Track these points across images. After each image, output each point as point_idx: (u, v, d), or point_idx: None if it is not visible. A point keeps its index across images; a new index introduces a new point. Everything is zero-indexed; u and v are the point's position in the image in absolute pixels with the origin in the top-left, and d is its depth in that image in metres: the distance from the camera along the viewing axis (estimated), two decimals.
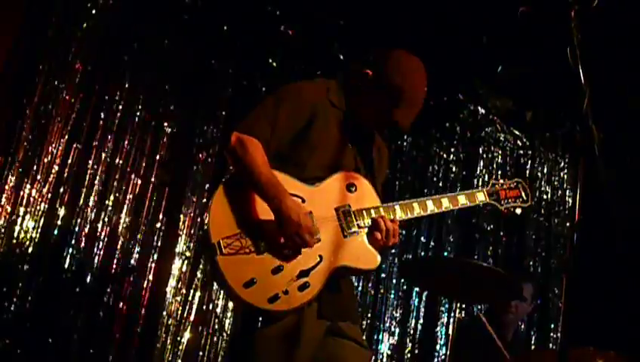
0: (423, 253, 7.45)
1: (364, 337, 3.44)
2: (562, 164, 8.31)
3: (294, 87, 3.53)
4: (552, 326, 7.81)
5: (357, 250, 3.26)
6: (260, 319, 3.08)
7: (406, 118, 3.42)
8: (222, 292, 6.01)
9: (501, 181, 3.72)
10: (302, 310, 3.08)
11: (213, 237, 3.04)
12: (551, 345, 7.64)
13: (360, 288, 6.89)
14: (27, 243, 5.23)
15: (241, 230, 3.09)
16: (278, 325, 3.06)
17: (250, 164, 3.16)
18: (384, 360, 7.08)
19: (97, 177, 5.61)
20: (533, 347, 7.56)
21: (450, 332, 6.97)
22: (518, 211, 3.70)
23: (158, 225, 5.88)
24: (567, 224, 8.03)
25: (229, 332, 6.11)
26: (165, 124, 6.04)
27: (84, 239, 5.51)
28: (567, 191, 8.24)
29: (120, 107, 5.79)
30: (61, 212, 5.40)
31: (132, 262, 5.71)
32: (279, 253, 3.09)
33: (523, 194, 3.72)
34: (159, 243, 5.85)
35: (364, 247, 3.28)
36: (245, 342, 3.15)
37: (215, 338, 6.06)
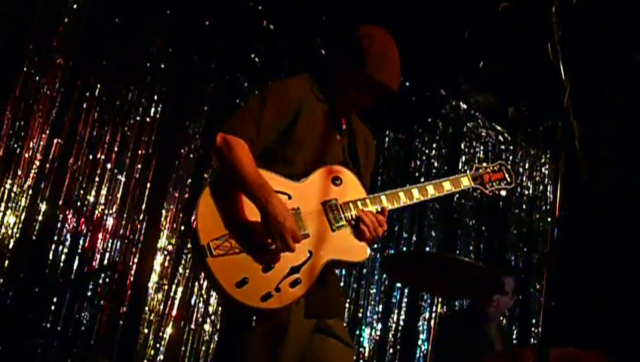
0: (404, 248, 7.47)
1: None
2: (544, 160, 8.35)
3: (279, 84, 3.53)
4: (534, 321, 7.86)
5: (346, 243, 3.26)
6: (254, 318, 3.07)
7: (387, 75, 3.39)
8: (205, 288, 6.02)
9: (484, 164, 3.76)
10: (289, 308, 3.08)
11: (202, 239, 3.04)
12: (532, 339, 7.68)
13: (342, 283, 6.90)
14: (8, 238, 5.21)
15: (229, 230, 3.08)
16: (265, 324, 3.06)
17: (236, 164, 3.15)
18: (366, 354, 7.10)
19: (79, 172, 5.58)
20: (514, 341, 7.60)
21: (433, 326, 7.01)
22: (503, 193, 3.73)
23: (140, 220, 5.86)
24: (549, 219, 8.06)
25: (211, 327, 6.11)
26: (147, 119, 6.03)
27: (65, 235, 5.49)
28: (549, 186, 8.28)
29: (101, 102, 5.76)
30: (42, 207, 5.38)
31: (114, 257, 5.69)
32: (267, 252, 3.09)
33: (507, 176, 3.75)
34: (141, 239, 5.84)
35: (353, 240, 3.28)
36: (232, 342, 3.16)
37: (197, 334, 6.06)
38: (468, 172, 3.73)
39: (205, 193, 3.16)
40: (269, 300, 3.02)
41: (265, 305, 3.01)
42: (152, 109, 6.07)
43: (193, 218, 3.10)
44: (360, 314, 7.14)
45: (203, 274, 3.19)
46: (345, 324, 3.47)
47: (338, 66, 3.52)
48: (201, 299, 6.07)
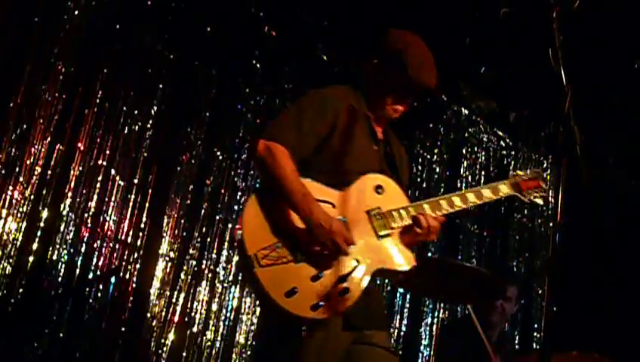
0: None
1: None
2: (545, 165, 8.34)
3: (317, 94, 3.50)
4: (535, 326, 7.85)
5: (391, 251, 3.25)
6: (303, 328, 3.04)
7: (426, 75, 3.44)
8: (207, 294, 6.03)
9: (520, 172, 3.71)
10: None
11: (249, 250, 3.02)
12: (534, 344, 7.67)
13: None
14: (9, 245, 5.20)
15: (276, 240, 3.07)
16: (312, 335, 3.04)
17: (279, 173, 3.15)
18: None
19: (80, 179, 5.58)
20: (517, 347, 7.59)
21: (435, 332, 7.00)
22: (540, 201, 3.70)
23: (142, 226, 5.86)
24: (551, 224, 8.06)
25: (212, 333, 6.11)
26: (148, 125, 6.03)
27: (67, 241, 5.48)
28: (551, 191, 8.27)
29: (103, 108, 5.76)
30: (44, 214, 5.37)
31: (116, 263, 5.68)
32: (316, 261, 3.07)
33: (542, 184, 3.71)
34: (143, 245, 5.83)
35: (399, 248, 3.28)
36: (278, 352, 3.14)
37: (199, 340, 6.06)
38: (506, 180, 3.69)
39: (251, 202, 3.15)
40: (319, 309, 2.99)
41: (315, 314, 2.99)
42: (154, 115, 6.07)
43: (238, 227, 3.09)
44: None
45: (250, 284, 3.17)
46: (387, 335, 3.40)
47: (374, 74, 3.53)
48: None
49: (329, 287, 3.03)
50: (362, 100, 3.53)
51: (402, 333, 7.31)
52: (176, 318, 5.92)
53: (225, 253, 6.32)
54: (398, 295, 7.38)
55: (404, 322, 7.34)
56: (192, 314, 6.04)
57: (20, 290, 5.22)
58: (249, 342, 6.32)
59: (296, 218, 3.11)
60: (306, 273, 3.05)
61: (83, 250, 5.56)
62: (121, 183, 5.81)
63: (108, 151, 5.76)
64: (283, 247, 3.06)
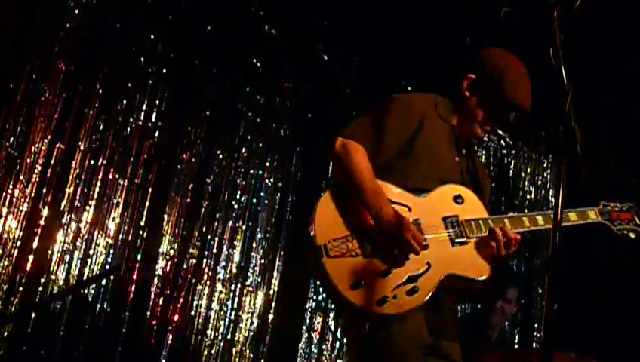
0: None
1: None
2: (546, 164, 8.34)
3: (402, 97, 3.51)
4: (536, 325, 7.84)
5: (466, 259, 3.21)
6: (367, 326, 3.03)
7: (522, 93, 3.44)
8: (207, 293, 6.03)
9: (612, 203, 3.62)
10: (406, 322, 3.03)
11: (319, 240, 3.04)
12: (534, 344, 7.67)
13: None
14: (10, 243, 5.20)
15: (348, 233, 3.08)
16: (380, 334, 3.01)
17: (353, 169, 3.16)
18: None
19: (80, 177, 5.58)
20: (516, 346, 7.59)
21: None
22: (632, 236, 3.57)
23: (142, 225, 5.86)
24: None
25: (212, 332, 6.12)
26: (149, 124, 6.03)
27: (67, 239, 5.48)
28: (551, 190, 8.27)
29: (103, 107, 5.76)
30: (44, 212, 5.37)
31: (116, 262, 5.68)
32: (386, 257, 3.06)
33: (637, 218, 3.61)
34: (143, 244, 5.83)
35: (474, 257, 3.23)
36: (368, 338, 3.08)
37: (199, 339, 6.06)
38: (595, 206, 3.59)
39: (325, 196, 3.18)
40: (385, 305, 2.97)
41: (380, 309, 2.97)
42: (154, 114, 6.07)
43: (311, 220, 3.10)
44: None
45: (317, 274, 3.16)
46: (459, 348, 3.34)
47: (470, 89, 3.51)
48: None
49: (397, 284, 3.02)
50: (450, 112, 3.52)
51: None
52: (176, 317, 5.92)
53: (225, 251, 6.32)
54: None
55: None
56: (192, 313, 6.04)
57: (20, 289, 5.22)
58: (249, 342, 6.32)
59: (368, 214, 3.11)
60: (374, 268, 3.03)
61: (83, 248, 5.56)
62: (122, 182, 5.81)
63: (108, 150, 5.76)
64: (354, 240, 3.06)
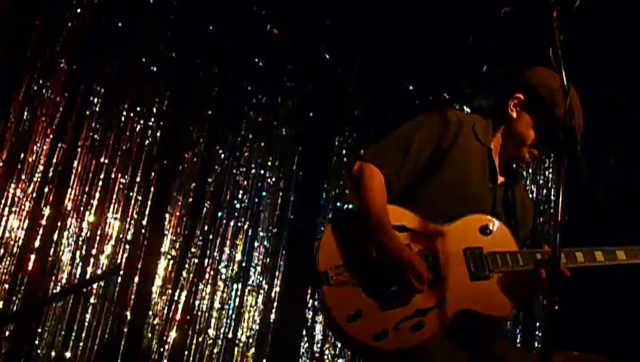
0: None
1: None
2: (547, 164, 8.33)
3: (429, 117, 3.40)
4: (537, 324, 7.83)
5: (486, 295, 3.02)
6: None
7: (578, 117, 3.11)
8: (209, 293, 6.03)
9: None
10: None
11: (320, 266, 2.95)
12: (536, 343, 7.66)
13: None
14: (12, 243, 5.20)
15: (351, 262, 2.98)
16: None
17: (365, 198, 3.06)
18: None
19: (82, 177, 5.58)
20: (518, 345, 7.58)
21: None
22: None
23: (144, 224, 5.86)
24: (552, 223, 8.04)
25: (214, 331, 6.12)
26: (151, 123, 6.03)
27: (69, 239, 5.49)
28: (552, 190, 8.27)
29: (105, 106, 5.76)
30: (46, 211, 5.38)
31: (117, 261, 5.68)
32: (389, 289, 2.94)
33: None
34: (145, 243, 5.83)
35: (495, 292, 3.04)
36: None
37: (201, 338, 6.06)
38: None
39: (334, 221, 3.17)
40: (384, 339, 2.83)
41: (377, 344, 2.83)
42: (156, 113, 6.07)
43: (317, 244, 3.03)
44: None
45: (318, 302, 3.10)
46: None
47: (518, 111, 3.34)
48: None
49: (401, 318, 2.88)
50: (490, 134, 3.39)
51: None
52: (178, 316, 5.93)
53: (227, 251, 6.32)
54: None
55: None
56: (194, 312, 6.04)
57: (22, 288, 5.22)
58: (250, 341, 6.33)
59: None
60: (377, 300, 2.92)
61: (85, 248, 5.56)
62: (123, 181, 5.81)
63: (110, 150, 5.76)
64: (358, 270, 2.96)
